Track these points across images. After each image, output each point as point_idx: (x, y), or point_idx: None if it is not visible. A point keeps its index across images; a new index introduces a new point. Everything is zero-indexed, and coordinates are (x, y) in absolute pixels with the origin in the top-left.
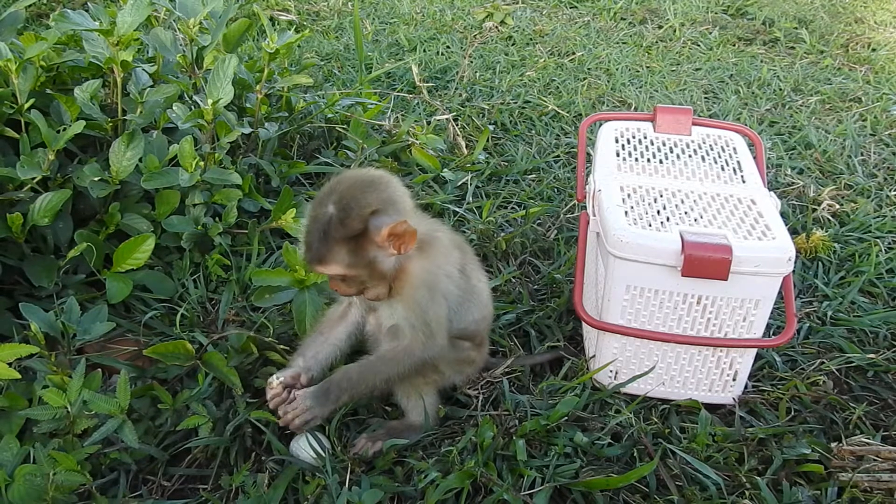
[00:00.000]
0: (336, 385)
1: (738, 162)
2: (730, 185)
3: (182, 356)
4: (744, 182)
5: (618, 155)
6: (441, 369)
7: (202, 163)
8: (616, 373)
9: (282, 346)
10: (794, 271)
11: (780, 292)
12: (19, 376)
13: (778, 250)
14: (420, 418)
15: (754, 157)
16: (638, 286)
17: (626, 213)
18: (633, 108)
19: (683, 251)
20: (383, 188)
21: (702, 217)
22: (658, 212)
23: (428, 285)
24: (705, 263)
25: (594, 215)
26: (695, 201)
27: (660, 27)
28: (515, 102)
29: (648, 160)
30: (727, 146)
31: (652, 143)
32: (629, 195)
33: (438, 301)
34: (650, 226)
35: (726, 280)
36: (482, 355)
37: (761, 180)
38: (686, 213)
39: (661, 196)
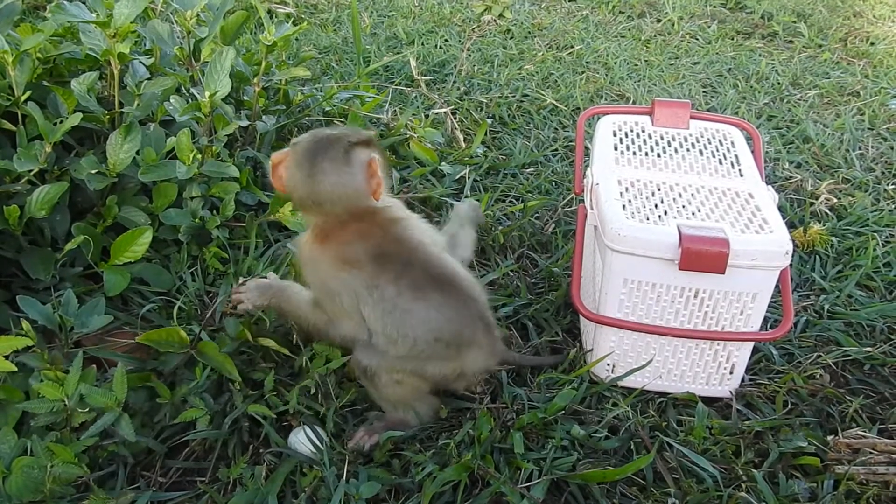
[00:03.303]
0: (277, 289)
1: (736, 156)
2: (728, 179)
3: (176, 344)
4: (742, 176)
5: (616, 148)
6: (426, 377)
7: (200, 155)
8: (613, 366)
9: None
10: (791, 265)
11: (777, 286)
12: (15, 368)
13: (775, 244)
14: (416, 420)
15: (752, 151)
16: (635, 279)
17: (623, 206)
18: (631, 101)
19: (681, 244)
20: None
21: (699, 210)
22: (656, 205)
23: (310, 267)
24: (702, 257)
25: (592, 209)
26: (692, 195)
27: (658, 21)
28: (514, 96)
29: (646, 154)
30: (725, 140)
31: (650, 137)
32: (627, 189)
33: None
34: (647, 219)
35: (724, 273)
36: (474, 360)
37: (759, 174)
38: (684, 206)
39: (659, 189)
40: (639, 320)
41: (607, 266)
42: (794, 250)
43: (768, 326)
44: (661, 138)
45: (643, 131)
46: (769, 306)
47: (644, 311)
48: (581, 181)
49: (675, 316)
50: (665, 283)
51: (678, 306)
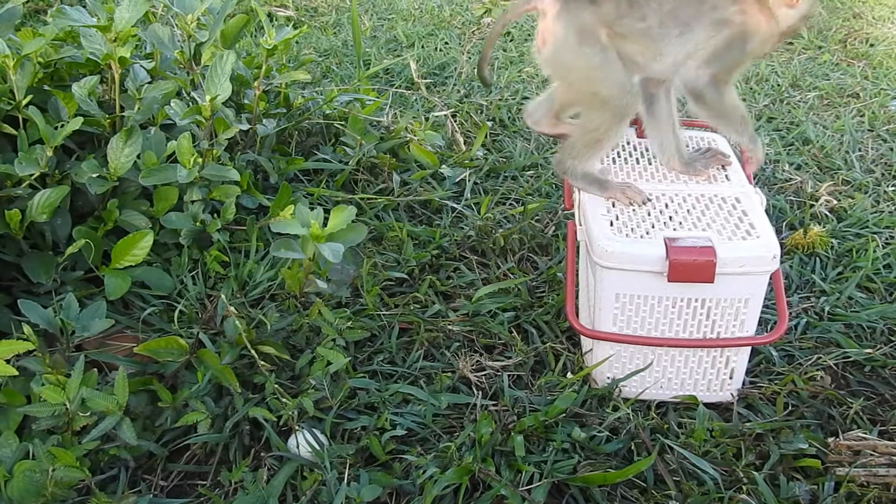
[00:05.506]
0: None
1: None
2: (714, 185)
3: (175, 352)
4: (728, 180)
5: (602, 162)
6: None
7: (200, 159)
8: (612, 378)
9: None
10: (791, 266)
11: (771, 288)
12: (16, 372)
13: (762, 248)
14: None
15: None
16: (627, 293)
17: (611, 222)
18: None
19: (668, 257)
20: None
21: (686, 220)
22: (644, 218)
23: None
24: (690, 267)
25: (580, 224)
26: (679, 204)
27: None
28: (514, 98)
29: (632, 166)
30: (711, 145)
31: (635, 149)
32: (614, 203)
33: None
34: (633, 231)
35: (712, 283)
36: None
37: (746, 177)
38: (671, 217)
39: (647, 201)
40: (634, 333)
41: (599, 282)
42: (794, 252)
43: (768, 328)
44: (647, 149)
45: (628, 143)
46: (770, 307)
47: (639, 324)
48: (570, 196)
49: (670, 326)
50: (657, 295)
51: (672, 316)
